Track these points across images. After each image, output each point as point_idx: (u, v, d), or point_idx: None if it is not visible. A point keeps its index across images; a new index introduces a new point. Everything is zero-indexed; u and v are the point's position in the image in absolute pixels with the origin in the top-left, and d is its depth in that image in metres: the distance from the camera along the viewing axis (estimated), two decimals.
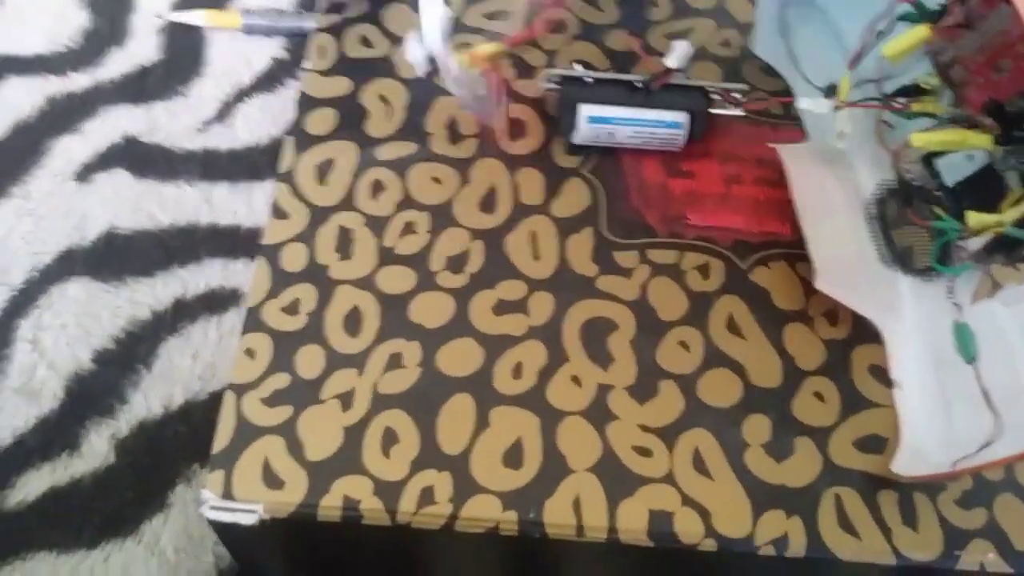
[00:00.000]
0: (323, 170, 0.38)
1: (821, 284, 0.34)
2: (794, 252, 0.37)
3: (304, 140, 0.39)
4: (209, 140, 0.48)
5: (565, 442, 0.32)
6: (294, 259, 0.36)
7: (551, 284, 0.36)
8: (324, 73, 0.41)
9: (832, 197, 0.38)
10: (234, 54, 0.52)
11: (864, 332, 0.35)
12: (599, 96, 0.38)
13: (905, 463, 0.32)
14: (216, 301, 0.42)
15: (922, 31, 0.34)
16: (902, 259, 0.37)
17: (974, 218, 0.32)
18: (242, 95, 0.50)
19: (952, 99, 0.36)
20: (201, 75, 0.51)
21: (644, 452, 0.32)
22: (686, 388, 0.34)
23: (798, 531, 0.31)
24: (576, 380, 0.34)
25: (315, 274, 0.36)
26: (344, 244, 0.36)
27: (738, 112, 0.39)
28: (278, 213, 0.37)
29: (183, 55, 0.52)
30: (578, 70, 0.38)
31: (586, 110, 0.38)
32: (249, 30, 0.53)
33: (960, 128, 0.34)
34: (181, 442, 0.37)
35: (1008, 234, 0.31)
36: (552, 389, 0.34)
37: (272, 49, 0.53)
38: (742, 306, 0.36)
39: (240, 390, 0.32)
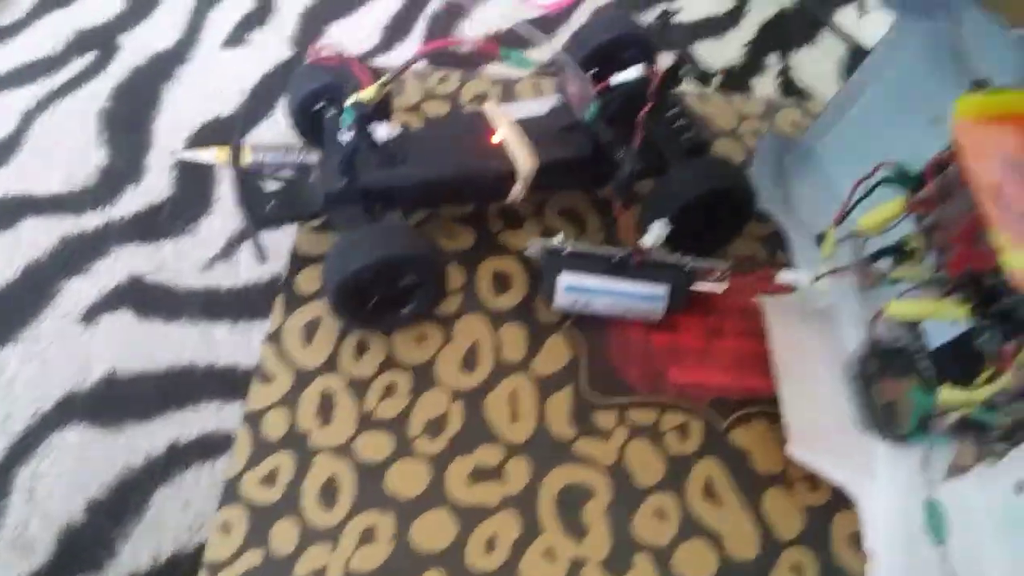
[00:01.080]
0: (310, 330, 0.39)
1: (794, 452, 0.34)
2: (773, 410, 0.37)
3: (293, 300, 0.40)
4: (212, 278, 0.49)
5: None
6: (276, 426, 0.37)
7: (528, 448, 0.36)
8: (317, 229, 0.43)
9: (813, 355, 0.38)
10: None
11: (845, 498, 0.35)
12: (580, 265, 0.38)
13: None
14: (209, 446, 0.43)
15: (895, 206, 0.34)
16: (880, 423, 0.36)
17: (946, 394, 0.32)
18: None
19: (936, 260, 0.36)
20: (209, 212, 0.53)
21: None
22: (661, 560, 0.34)
23: None
24: (550, 554, 0.34)
25: (295, 442, 0.36)
26: (325, 409, 0.37)
27: (720, 288, 0.39)
28: (263, 377, 0.38)
29: (193, 192, 0.54)
30: (558, 242, 0.38)
31: (565, 279, 0.38)
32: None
33: (937, 296, 0.34)
34: None
35: (974, 417, 0.31)
36: (525, 564, 0.33)
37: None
38: (720, 469, 0.36)
39: (214, 569, 0.33)
